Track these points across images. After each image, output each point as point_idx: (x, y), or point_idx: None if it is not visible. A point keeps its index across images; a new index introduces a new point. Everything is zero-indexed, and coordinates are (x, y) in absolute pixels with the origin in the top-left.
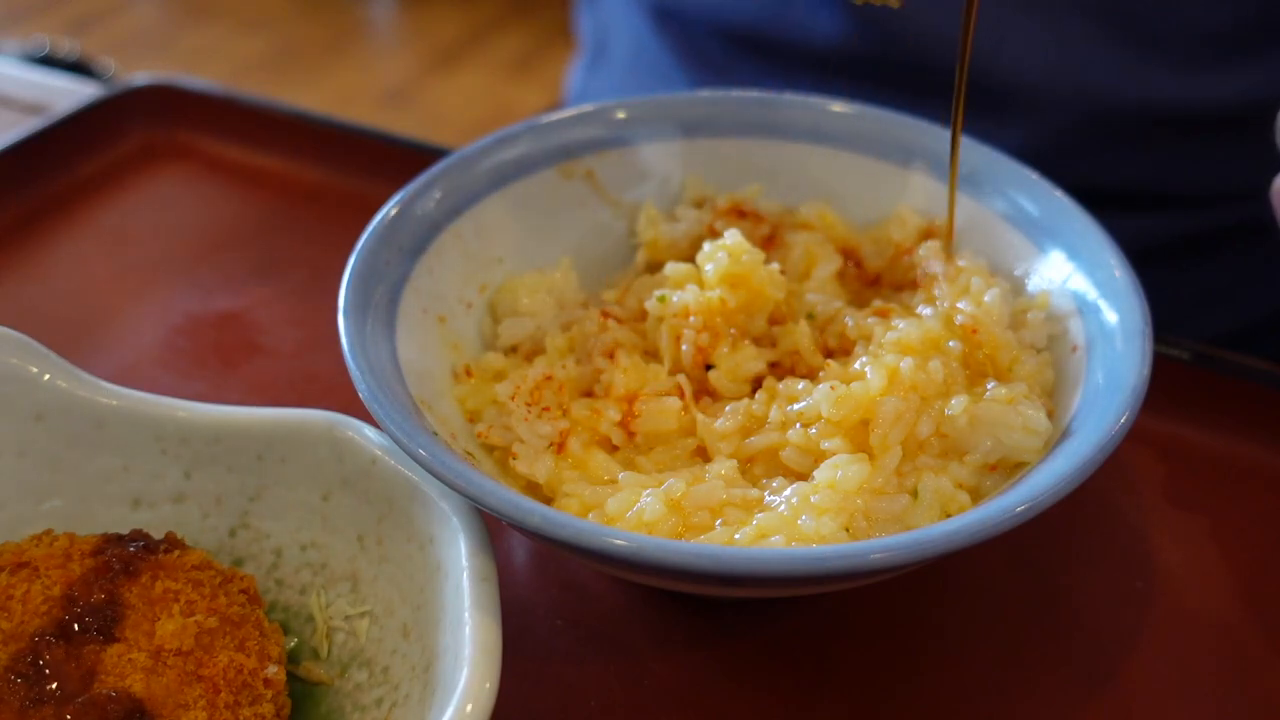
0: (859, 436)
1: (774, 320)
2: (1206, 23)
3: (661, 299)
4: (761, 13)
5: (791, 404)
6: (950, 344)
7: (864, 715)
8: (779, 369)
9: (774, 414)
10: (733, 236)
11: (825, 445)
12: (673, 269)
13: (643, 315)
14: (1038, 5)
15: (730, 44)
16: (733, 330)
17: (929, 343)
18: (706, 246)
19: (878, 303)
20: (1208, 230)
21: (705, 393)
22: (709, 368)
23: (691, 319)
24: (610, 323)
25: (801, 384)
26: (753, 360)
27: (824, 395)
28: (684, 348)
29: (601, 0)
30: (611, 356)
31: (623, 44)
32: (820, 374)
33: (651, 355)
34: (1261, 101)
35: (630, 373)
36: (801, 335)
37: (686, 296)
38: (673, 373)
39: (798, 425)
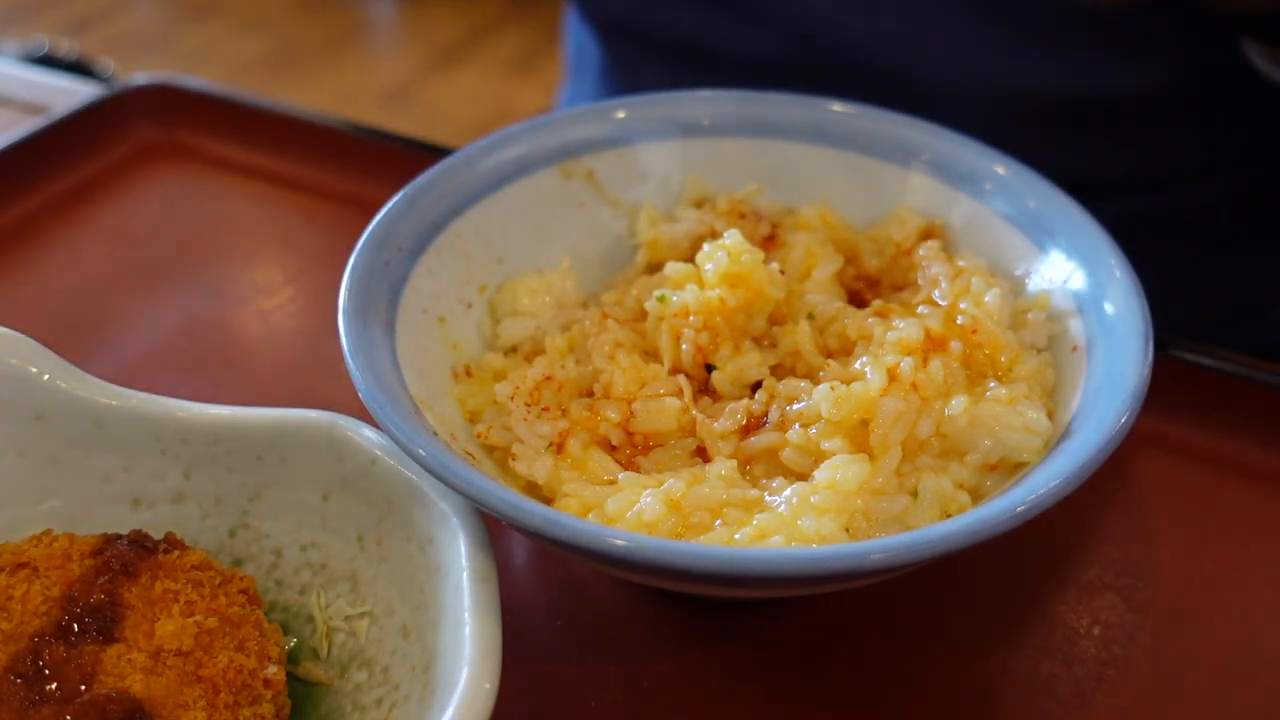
0: (859, 436)
1: (774, 320)
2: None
3: (661, 299)
4: (705, 30)
5: (791, 404)
6: (951, 344)
7: (863, 715)
8: (779, 369)
9: (774, 414)
10: (733, 236)
11: (825, 445)
12: (673, 269)
13: (643, 315)
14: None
15: (677, 58)
16: (732, 339)
17: (929, 343)
18: (706, 246)
19: (878, 303)
20: (1162, 212)
21: (705, 393)
22: (709, 368)
23: (691, 319)
24: (610, 323)
25: (802, 384)
26: (755, 365)
27: (824, 395)
28: (684, 348)
29: (574, 25)
30: (612, 357)
31: (590, 66)
32: (820, 374)
33: (651, 355)
34: (1184, 83)
35: (630, 373)
36: (802, 335)
37: (686, 296)
38: (673, 373)
39: (798, 425)
